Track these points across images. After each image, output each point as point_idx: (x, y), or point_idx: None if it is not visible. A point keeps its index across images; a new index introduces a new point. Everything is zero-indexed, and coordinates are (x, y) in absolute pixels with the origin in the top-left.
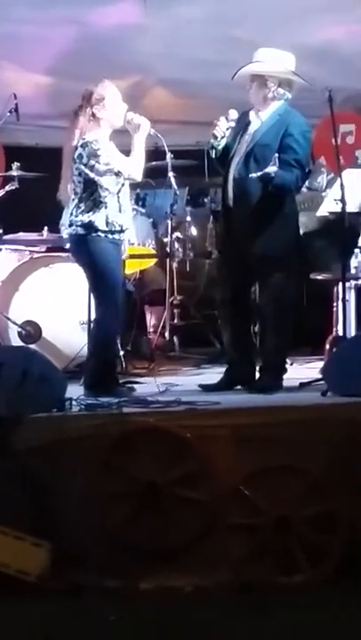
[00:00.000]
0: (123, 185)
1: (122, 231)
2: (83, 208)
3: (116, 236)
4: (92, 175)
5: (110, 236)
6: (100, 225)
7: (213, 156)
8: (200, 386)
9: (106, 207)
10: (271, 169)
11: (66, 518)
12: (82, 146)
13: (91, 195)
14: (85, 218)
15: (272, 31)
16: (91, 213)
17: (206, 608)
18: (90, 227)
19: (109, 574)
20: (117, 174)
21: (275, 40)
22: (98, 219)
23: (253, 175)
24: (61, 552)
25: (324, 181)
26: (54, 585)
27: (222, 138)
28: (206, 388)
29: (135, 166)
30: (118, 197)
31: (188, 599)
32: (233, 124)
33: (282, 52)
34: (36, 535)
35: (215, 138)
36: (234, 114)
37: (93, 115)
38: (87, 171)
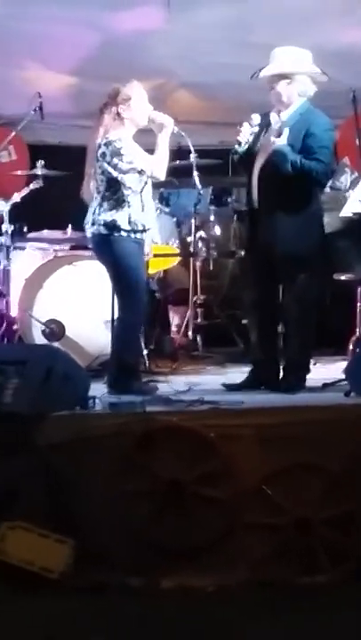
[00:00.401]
0: (146, 184)
1: (144, 230)
2: (105, 207)
3: (139, 236)
4: (115, 174)
5: (133, 235)
6: (123, 224)
7: (236, 160)
8: (224, 385)
9: (129, 206)
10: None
11: (89, 516)
12: (105, 144)
13: (114, 193)
14: (108, 217)
15: (291, 34)
16: (113, 212)
17: (227, 607)
18: (112, 226)
19: (132, 572)
20: (140, 173)
21: (294, 43)
22: (120, 218)
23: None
24: (84, 549)
25: (348, 181)
26: (77, 582)
27: (246, 143)
28: (230, 388)
29: (158, 165)
30: (141, 196)
31: (210, 598)
32: (257, 129)
33: (299, 50)
34: (59, 532)
35: (239, 144)
36: (257, 118)
37: (118, 114)
38: (110, 169)
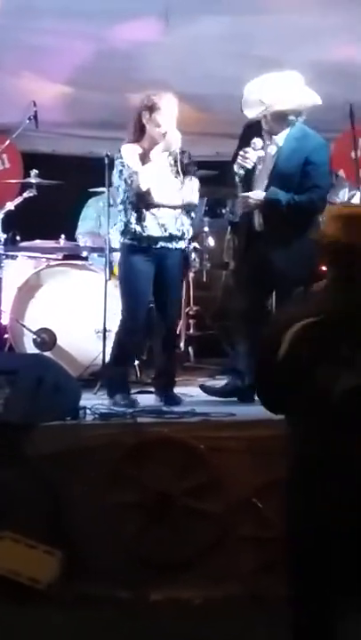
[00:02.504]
0: (133, 193)
1: (148, 239)
2: (117, 219)
3: (145, 244)
4: (115, 179)
5: (136, 244)
6: (124, 234)
7: (238, 181)
8: (201, 387)
9: (125, 216)
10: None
11: (78, 527)
12: (115, 158)
13: (119, 204)
14: (115, 228)
15: (289, 48)
16: (118, 224)
17: (216, 621)
18: (120, 236)
19: (120, 584)
20: (126, 182)
21: (292, 57)
22: (121, 228)
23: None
24: (73, 561)
25: (346, 196)
26: (64, 594)
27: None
28: (207, 391)
29: (146, 176)
30: (138, 206)
31: (198, 611)
32: (261, 154)
33: (291, 75)
34: (47, 543)
35: (243, 168)
36: (259, 142)
37: (139, 120)
38: (114, 176)
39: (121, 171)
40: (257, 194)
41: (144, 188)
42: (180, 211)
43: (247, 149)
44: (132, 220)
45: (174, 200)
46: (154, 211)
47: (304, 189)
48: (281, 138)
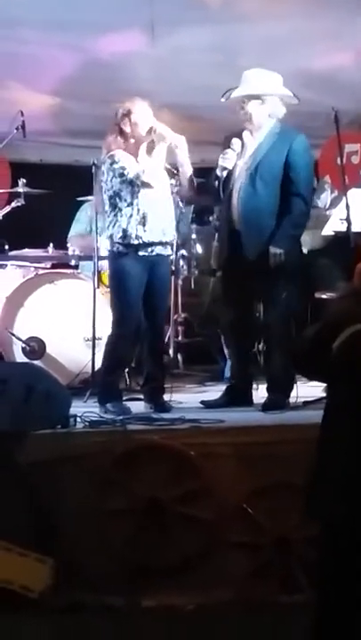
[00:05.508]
0: (138, 194)
1: (146, 245)
2: (108, 223)
3: (141, 251)
4: (110, 185)
5: (129, 250)
6: (119, 238)
7: (218, 184)
8: (202, 402)
9: (124, 219)
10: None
11: (69, 535)
12: (103, 163)
13: (113, 209)
14: (109, 232)
15: (276, 57)
16: (112, 227)
17: (208, 626)
18: (112, 241)
19: (111, 591)
20: (131, 183)
21: (277, 66)
22: (116, 232)
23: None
24: (64, 568)
25: (328, 199)
26: (56, 602)
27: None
28: (207, 405)
29: (150, 171)
30: (138, 209)
31: (190, 617)
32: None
33: (270, 72)
34: (39, 551)
35: (225, 169)
36: (238, 143)
37: (121, 129)
38: (108, 182)
39: (122, 173)
40: (273, 249)
41: (146, 180)
42: (172, 217)
43: (227, 150)
44: (133, 223)
45: (167, 203)
46: (149, 216)
47: (288, 195)
48: (261, 134)
